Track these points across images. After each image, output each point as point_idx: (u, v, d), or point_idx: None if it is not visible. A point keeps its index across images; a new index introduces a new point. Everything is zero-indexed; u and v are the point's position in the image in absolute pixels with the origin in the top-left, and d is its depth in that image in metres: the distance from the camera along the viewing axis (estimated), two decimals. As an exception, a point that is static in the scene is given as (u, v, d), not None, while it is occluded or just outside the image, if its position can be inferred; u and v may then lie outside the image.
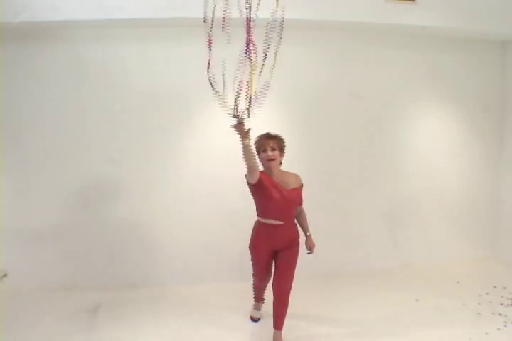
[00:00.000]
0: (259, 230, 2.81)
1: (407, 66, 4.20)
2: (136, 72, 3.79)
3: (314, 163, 4.03)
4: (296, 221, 2.89)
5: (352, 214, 4.22)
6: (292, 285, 2.77)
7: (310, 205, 4.00)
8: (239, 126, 2.39)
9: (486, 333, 2.88)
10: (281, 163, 2.79)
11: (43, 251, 3.82)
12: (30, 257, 3.83)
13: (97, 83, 3.77)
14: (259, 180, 2.60)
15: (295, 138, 3.98)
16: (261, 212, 2.77)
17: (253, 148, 2.58)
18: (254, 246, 2.82)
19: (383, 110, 4.21)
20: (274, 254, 2.80)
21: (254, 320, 3.13)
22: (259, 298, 3.16)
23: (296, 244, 2.81)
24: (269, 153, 2.67)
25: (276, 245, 2.76)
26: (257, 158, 2.60)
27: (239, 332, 2.98)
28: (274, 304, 2.77)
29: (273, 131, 2.83)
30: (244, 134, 2.40)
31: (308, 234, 2.91)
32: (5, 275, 3.77)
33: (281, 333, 2.81)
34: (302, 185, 2.84)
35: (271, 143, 2.68)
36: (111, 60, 3.78)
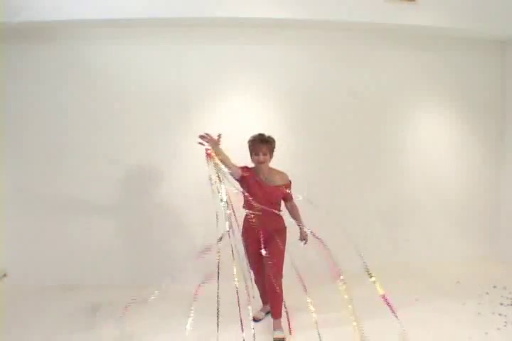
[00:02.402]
0: (246, 220, 3.02)
1: (407, 66, 4.21)
2: (136, 71, 3.79)
3: (314, 163, 4.03)
4: (290, 216, 3.06)
5: (352, 214, 4.21)
6: (283, 274, 2.95)
7: (310, 205, 4.00)
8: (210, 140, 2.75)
9: (486, 333, 2.88)
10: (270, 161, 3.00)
11: (43, 251, 3.83)
12: (30, 257, 3.83)
13: (97, 82, 3.77)
14: (243, 176, 2.89)
15: (295, 137, 3.99)
16: (244, 202, 2.97)
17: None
18: (243, 234, 3.01)
19: (383, 110, 4.21)
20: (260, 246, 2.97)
21: (256, 320, 3.13)
22: (265, 299, 3.22)
23: (280, 233, 2.99)
24: (261, 158, 2.91)
25: (262, 233, 2.90)
26: (231, 163, 2.80)
27: (239, 331, 2.98)
28: (268, 294, 2.96)
29: (270, 131, 2.99)
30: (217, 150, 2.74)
31: (300, 225, 3.04)
32: (5, 275, 3.77)
33: (280, 321, 2.94)
34: (290, 181, 3.03)
35: (263, 149, 2.90)
36: (111, 59, 3.79)
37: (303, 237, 3.06)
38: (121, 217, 3.86)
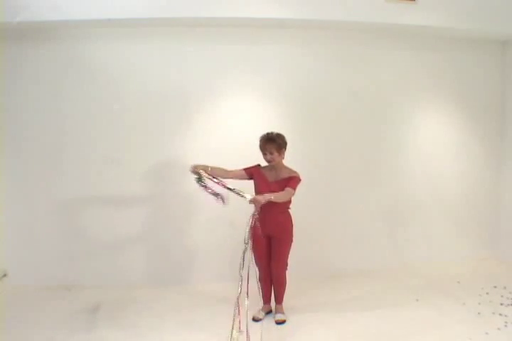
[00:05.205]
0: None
1: (407, 66, 4.21)
2: (135, 71, 3.79)
3: (315, 163, 4.03)
4: None
5: (352, 213, 4.21)
6: (287, 266, 3.14)
7: (310, 205, 4.00)
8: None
9: (486, 333, 2.88)
10: (283, 158, 3.07)
11: (43, 251, 3.82)
12: (30, 257, 3.83)
13: (97, 82, 3.77)
14: (251, 175, 3.05)
15: (295, 137, 3.98)
16: None
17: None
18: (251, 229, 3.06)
19: (383, 110, 4.21)
20: (269, 241, 3.10)
21: (256, 320, 3.13)
22: (266, 298, 3.24)
23: (285, 232, 3.08)
24: (268, 157, 3.00)
25: (266, 229, 3.01)
26: (227, 174, 3.00)
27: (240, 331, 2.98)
28: (273, 283, 3.17)
29: (275, 129, 3.08)
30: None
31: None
32: (5, 276, 3.77)
33: (282, 306, 3.20)
34: (297, 177, 3.00)
35: (268, 148, 2.98)
36: (110, 59, 3.79)
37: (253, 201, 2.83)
38: (121, 218, 3.85)
